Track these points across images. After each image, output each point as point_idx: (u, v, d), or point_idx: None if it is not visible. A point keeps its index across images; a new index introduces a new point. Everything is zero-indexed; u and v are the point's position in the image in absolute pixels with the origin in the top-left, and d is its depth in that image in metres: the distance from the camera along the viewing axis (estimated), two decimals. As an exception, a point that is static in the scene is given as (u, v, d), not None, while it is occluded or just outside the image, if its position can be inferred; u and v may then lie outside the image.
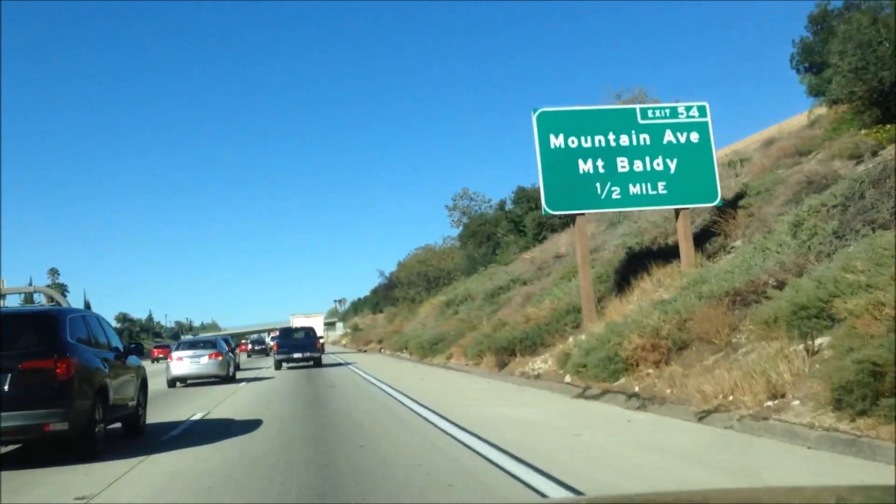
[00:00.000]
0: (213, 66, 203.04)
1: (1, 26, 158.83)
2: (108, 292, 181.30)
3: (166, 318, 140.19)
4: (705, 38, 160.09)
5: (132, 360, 11.18)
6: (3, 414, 7.86)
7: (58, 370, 8.28)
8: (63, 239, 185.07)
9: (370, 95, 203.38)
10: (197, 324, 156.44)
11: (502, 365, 18.25)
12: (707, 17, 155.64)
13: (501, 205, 52.68)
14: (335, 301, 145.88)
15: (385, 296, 77.86)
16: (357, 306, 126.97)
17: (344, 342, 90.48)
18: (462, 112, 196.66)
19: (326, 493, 6.47)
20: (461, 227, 59.03)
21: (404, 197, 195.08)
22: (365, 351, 56.68)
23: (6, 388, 8.01)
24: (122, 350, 10.76)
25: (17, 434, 8.27)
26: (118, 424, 10.58)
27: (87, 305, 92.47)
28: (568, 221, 46.06)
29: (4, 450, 9.54)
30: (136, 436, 10.87)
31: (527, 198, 45.83)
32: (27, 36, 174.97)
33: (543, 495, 5.90)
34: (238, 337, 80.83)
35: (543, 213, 16.85)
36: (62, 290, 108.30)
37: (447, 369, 23.32)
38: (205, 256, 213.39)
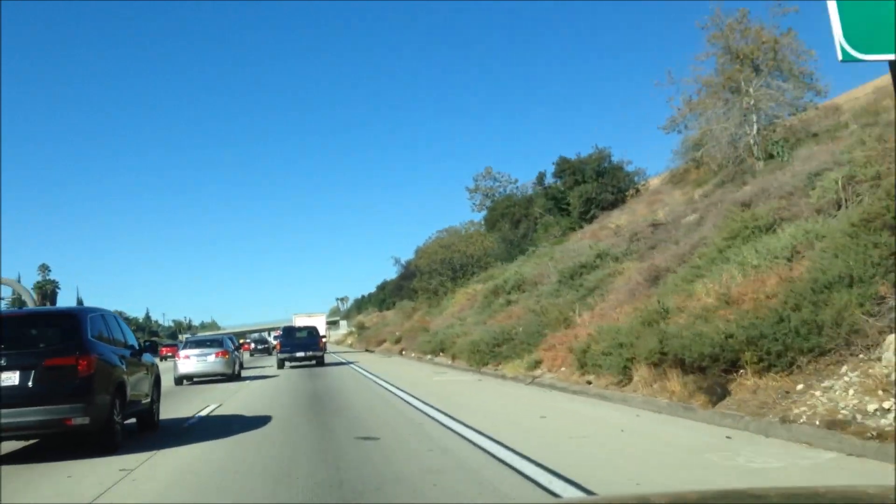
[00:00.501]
0: (213, 66, 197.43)
1: (1, 26, 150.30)
2: (107, 291, 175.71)
3: (164, 316, 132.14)
4: None
5: (147, 357, 11.33)
6: (28, 409, 8.15)
7: (79, 367, 8.50)
8: (61, 238, 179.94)
9: (370, 95, 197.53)
10: (196, 323, 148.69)
11: (716, 394, 9.07)
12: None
13: (540, 178, 43.29)
14: (337, 299, 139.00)
15: (399, 287, 68.00)
16: (361, 304, 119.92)
17: (350, 341, 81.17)
18: (462, 111, 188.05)
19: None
20: (484, 211, 51.62)
21: (405, 197, 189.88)
22: (372, 351, 48.40)
23: (30, 384, 8.25)
24: (137, 348, 10.88)
25: (40, 428, 8.47)
26: (133, 420, 10.61)
27: (80, 303, 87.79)
28: (625, 196, 37.78)
29: (22, 445, 9.62)
30: (150, 430, 10.96)
31: (571, 170, 37.94)
32: (27, 36, 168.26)
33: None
34: (238, 336, 73.63)
35: (842, 57, 7.72)
36: (53, 286, 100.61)
37: (549, 390, 14.06)
38: (203, 255, 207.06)
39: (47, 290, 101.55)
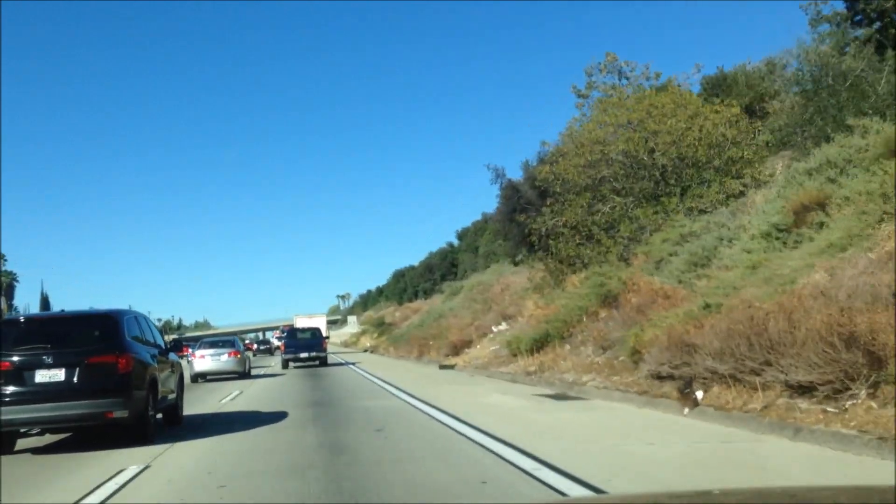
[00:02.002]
0: (213, 66, 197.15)
1: (1, 26, 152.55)
2: (93, 289, 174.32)
3: (149, 315, 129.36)
4: None
5: (171, 356, 12.10)
6: (73, 403, 9.05)
7: (119, 365, 9.33)
8: (33, 233, 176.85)
9: (370, 95, 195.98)
10: (188, 322, 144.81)
11: None
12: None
13: None
14: (338, 296, 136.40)
15: (504, 230, 30.30)
16: (368, 299, 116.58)
17: (367, 343, 57.77)
18: (461, 113, 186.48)
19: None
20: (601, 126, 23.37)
21: (404, 198, 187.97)
22: (451, 367, 23.69)
23: (75, 380, 9.15)
24: (164, 347, 11.74)
25: (83, 420, 9.30)
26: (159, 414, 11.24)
27: (45, 298, 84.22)
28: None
29: (58, 437, 10.64)
30: (175, 424, 11.73)
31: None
32: (27, 36, 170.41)
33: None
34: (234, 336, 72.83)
35: None
36: (11, 278, 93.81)
37: None
38: (198, 255, 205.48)
39: (2, 283, 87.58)
